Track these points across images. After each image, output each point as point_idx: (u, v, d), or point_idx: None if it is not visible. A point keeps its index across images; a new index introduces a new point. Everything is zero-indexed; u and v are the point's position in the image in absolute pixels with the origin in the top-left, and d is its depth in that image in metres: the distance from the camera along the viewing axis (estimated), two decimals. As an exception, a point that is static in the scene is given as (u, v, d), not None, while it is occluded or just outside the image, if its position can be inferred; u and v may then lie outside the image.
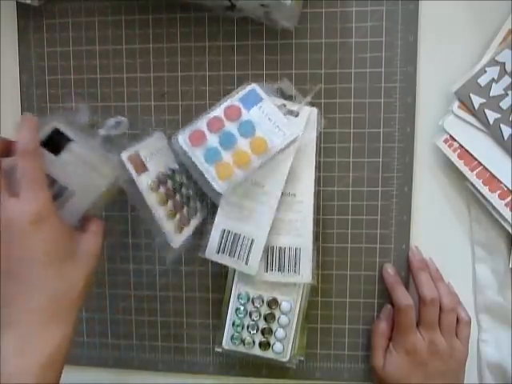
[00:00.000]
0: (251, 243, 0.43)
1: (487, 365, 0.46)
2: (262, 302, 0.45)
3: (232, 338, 0.45)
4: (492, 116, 0.42)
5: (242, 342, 0.45)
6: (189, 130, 0.42)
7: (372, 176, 0.46)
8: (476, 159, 0.43)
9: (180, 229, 0.43)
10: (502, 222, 0.43)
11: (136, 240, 0.49)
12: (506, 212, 0.42)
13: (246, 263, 0.43)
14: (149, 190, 0.41)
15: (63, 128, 0.38)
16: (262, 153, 0.41)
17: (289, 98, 0.44)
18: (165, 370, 0.50)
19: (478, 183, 0.43)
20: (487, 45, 0.43)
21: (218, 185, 0.41)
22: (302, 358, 0.47)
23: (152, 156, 0.43)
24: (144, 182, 0.41)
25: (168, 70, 0.47)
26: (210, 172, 0.41)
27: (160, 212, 0.42)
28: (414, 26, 0.44)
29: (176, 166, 0.45)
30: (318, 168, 0.44)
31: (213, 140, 0.41)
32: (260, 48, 0.46)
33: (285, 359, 0.45)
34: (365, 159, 0.46)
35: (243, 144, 0.41)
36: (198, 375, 0.50)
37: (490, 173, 0.43)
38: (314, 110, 0.43)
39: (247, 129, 0.42)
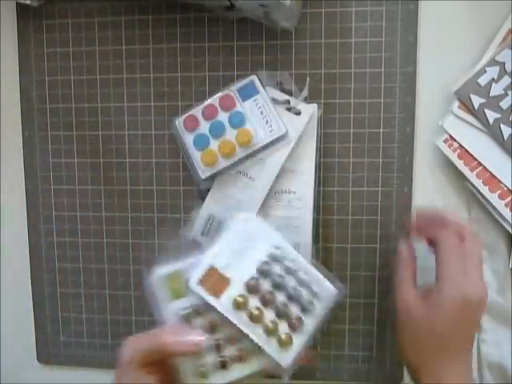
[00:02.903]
0: None
1: (487, 365, 0.46)
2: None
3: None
4: (492, 116, 0.42)
5: None
6: (185, 114, 0.43)
7: (372, 176, 0.46)
8: (476, 159, 0.43)
9: (286, 342, 0.34)
10: (502, 222, 0.43)
11: (136, 240, 0.49)
12: (505, 212, 0.42)
13: None
14: (234, 310, 0.34)
15: None
16: (246, 144, 0.42)
17: (288, 92, 0.44)
18: (165, 370, 0.50)
19: (478, 183, 0.43)
20: (487, 45, 0.43)
21: (201, 170, 0.43)
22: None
23: (233, 258, 0.35)
24: (226, 302, 0.34)
25: (168, 70, 0.47)
26: (195, 157, 0.43)
27: (256, 331, 0.33)
28: (413, 26, 0.44)
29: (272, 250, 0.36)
30: (318, 168, 0.44)
31: (204, 127, 0.43)
32: (260, 48, 0.46)
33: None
34: (365, 159, 0.45)
35: (230, 134, 0.43)
36: (199, 375, 0.50)
37: (490, 173, 0.43)
38: (315, 107, 0.44)
39: (237, 120, 0.43)
